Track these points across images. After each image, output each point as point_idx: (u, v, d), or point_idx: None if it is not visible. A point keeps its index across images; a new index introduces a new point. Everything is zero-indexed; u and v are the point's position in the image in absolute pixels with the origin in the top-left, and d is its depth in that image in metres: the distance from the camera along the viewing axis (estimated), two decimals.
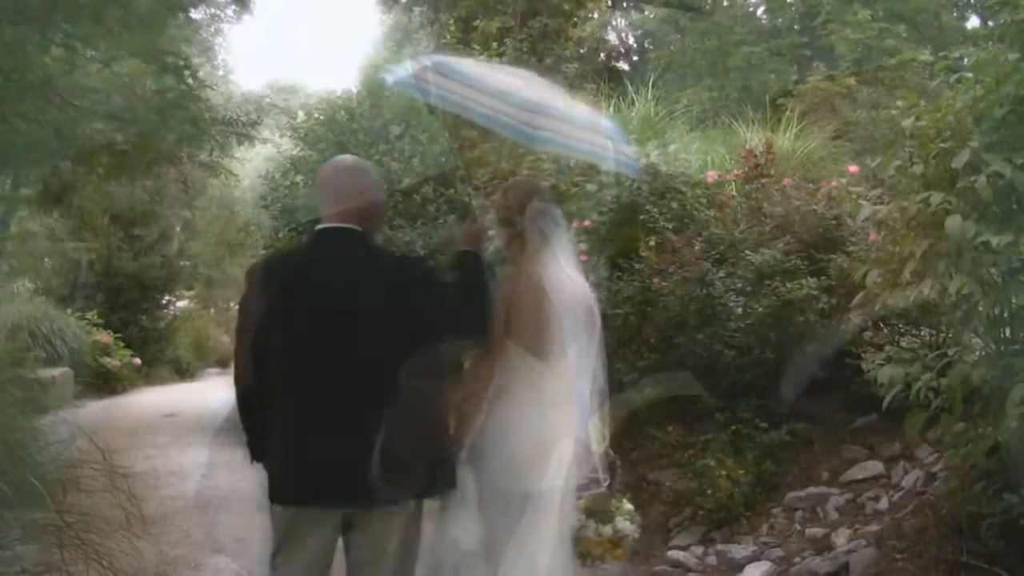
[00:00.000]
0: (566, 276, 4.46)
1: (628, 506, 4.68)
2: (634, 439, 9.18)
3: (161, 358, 26.39)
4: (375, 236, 4.28)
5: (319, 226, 4.18)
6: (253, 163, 32.36)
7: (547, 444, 4.23)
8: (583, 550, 4.45)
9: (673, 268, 8.42)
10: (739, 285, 8.24)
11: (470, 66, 5.01)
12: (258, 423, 4.14)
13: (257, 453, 4.23)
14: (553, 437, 4.25)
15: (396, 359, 3.87)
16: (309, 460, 3.93)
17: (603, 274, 9.03)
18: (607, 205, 10.04)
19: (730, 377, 8.15)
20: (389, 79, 4.93)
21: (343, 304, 3.96)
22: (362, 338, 3.92)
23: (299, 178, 16.45)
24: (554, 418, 4.30)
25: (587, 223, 9.97)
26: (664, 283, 8.36)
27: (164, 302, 28.08)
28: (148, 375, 24.35)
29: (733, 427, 7.81)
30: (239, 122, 7.57)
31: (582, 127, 4.92)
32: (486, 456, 4.26)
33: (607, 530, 4.46)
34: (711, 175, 10.51)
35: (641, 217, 9.56)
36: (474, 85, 4.65)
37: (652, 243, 8.98)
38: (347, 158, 4.60)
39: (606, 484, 4.55)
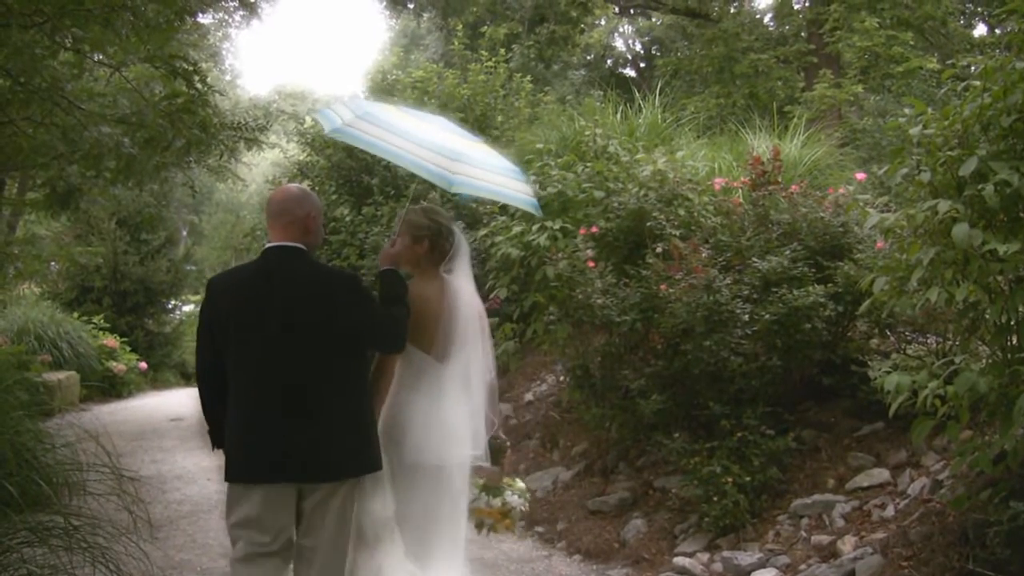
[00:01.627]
0: (464, 288, 5.24)
1: (520, 484, 5.55)
2: (640, 446, 9.21)
3: (167, 362, 26.41)
4: (313, 253, 4.97)
5: (267, 244, 4.88)
6: (260, 168, 32.47)
7: (445, 429, 4.99)
8: (477, 520, 5.34)
9: (680, 275, 8.42)
10: (746, 292, 8.24)
11: (396, 114, 5.61)
12: (217, 415, 4.86)
13: (217, 441, 4.94)
14: (450, 423, 5.02)
15: (327, 358, 4.66)
16: (251, 445, 4.64)
17: (610, 280, 9.06)
18: (614, 212, 10.06)
19: (736, 384, 8.15)
20: (326, 126, 5.22)
21: (282, 310, 4.64)
22: (298, 340, 4.62)
23: (306, 183, 16.50)
24: (450, 408, 5.04)
25: (595, 230, 10.01)
26: (671, 290, 8.36)
27: (170, 306, 28.11)
28: (154, 379, 24.38)
29: (739, 434, 7.80)
30: (247, 127, 7.60)
31: (494, 171, 5.54)
32: (395, 439, 4.98)
33: (497, 503, 5.32)
34: (718, 182, 10.54)
35: (648, 224, 9.58)
36: (397, 132, 5.24)
37: (659, 250, 8.98)
38: (292, 187, 5.28)
39: (494, 463, 5.32)
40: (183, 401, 19.09)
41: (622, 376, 9.02)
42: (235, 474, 4.69)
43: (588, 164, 11.93)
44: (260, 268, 4.86)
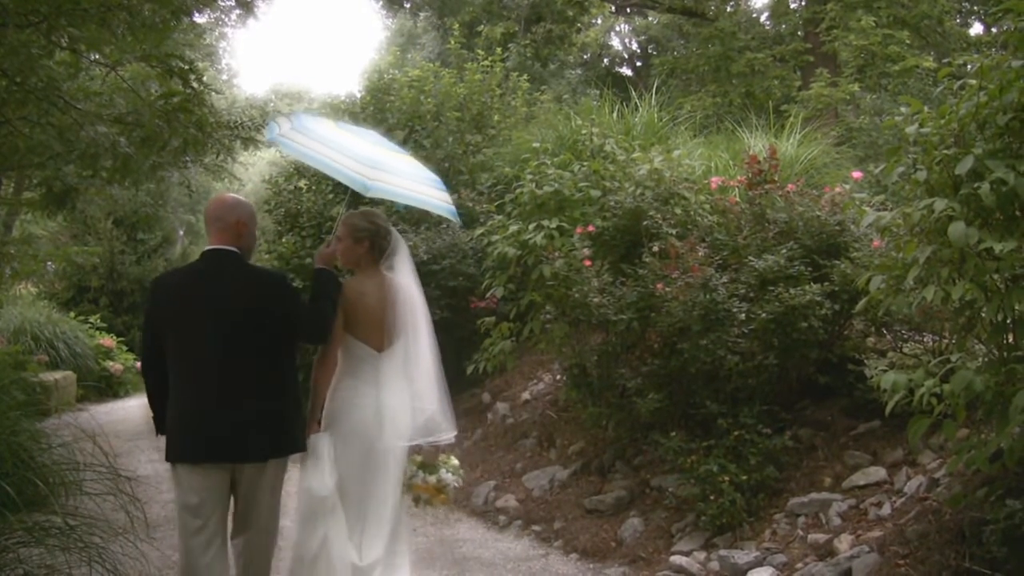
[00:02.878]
0: (404, 283, 5.78)
1: (454, 461, 6.00)
2: (637, 444, 9.21)
3: None
4: (247, 255, 5.45)
5: (205, 248, 5.40)
6: (257, 167, 32.47)
7: (382, 414, 5.54)
8: (415, 496, 5.79)
9: (677, 274, 8.42)
10: (742, 291, 8.24)
11: (329, 128, 6.42)
12: (160, 403, 5.40)
13: (160, 427, 5.45)
14: (387, 408, 5.56)
15: (253, 349, 5.15)
16: (188, 429, 5.17)
17: (607, 279, 9.06)
18: (611, 211, 10.07)
19: (733, 383, 8.16)
20: (268, 134, 6.30)
21: (216, 307, 5.17)
22: (227, 333, 5.13)
23: (302, 183, 16.54)
24: (389, 394, 5.59)
25: (591, 228, 10.00)
26: (668, 289, 8.35)
27: None
28: None
29: (736, 433, 7.81)
30: (243, 126, 7.60)
31: (413, 179, 6.26)
32: (336, 422, 5.53)
33: (432, 479, 5.78)
34: (715, 181, 10.53)
35: (645, 223, 9.59)
36: (324, 142, 5.98)
37: (656, 249, 8.98)
38: (227, 196, 5.71)
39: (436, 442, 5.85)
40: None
41: (619, 375, 9.02)
42: (174, 456, 5.23)
43: (585, 163, 11.92)
44: (195, 269, 5.50)
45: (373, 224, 5.81)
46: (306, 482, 5.40)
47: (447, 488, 5.91)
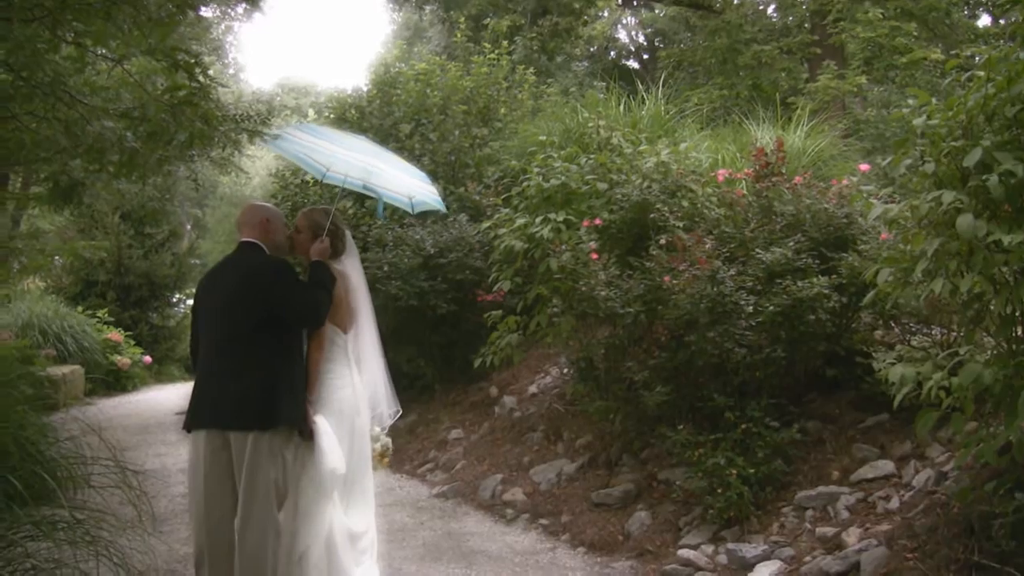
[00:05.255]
0: (354, 276, 6.45)
1: (376, 429, 6.62)
2: (644, 438, 9.20)
3: (171, 356, 26.41)
4: (279, 251, 6.20)
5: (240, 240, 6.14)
6: (264, 161, 32.48)
7: (358, 390, 6.16)
8: None
9: (684, 267, 8.40)
10: (750, 284, 8.22)
11: (326, 132, 7.56)
12: None
13: None
14: (361, 391, 6.20)
15: (252, 330, 5.68)
16: (196, 399, 5.74)
17: (614, 272, 9.04)
18: (618, 204, 10.05)
19: (741, 376, 8.15)
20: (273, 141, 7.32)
21: (225, 291, 5.85)
22: (233, 315, 5.74)
23: (309, 176, 16.50)
24: (359, 376, 6.23)
25: (598, 222, 9.99)
26: (675, 281, 8.34)
27: (174, 300, 28.07)
28: (158, 373, 24.41)
29: (743, 426, 7.81)
30: (250, 118, 7.58)
31: (403, 171, 7.25)
32: (328, 404, 5.95)
33: (377, 446, 6.66)
34: (722, 174, 10.50)
35: (652, 216, 9.58)
36: (315, 138, 7.07)
37: (663, 242, 8.98)
38: (253, 201, 6.83)
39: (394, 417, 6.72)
40: (187, 395, 19.12)
41: (626, 368, 9.00)
42: (185, 423, 5.78)
43: (591, 156, 11.90)
44: (225, 259, 6.32)
45: (335, 226, 6.45)
46: (323, 463, 5.73)
47: (388, 452, 6.92)
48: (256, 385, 5.60)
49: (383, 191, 7.06)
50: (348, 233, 6.68)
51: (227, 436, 5.54)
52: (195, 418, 5.68)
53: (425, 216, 14.21)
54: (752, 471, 7.58)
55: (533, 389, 12.06)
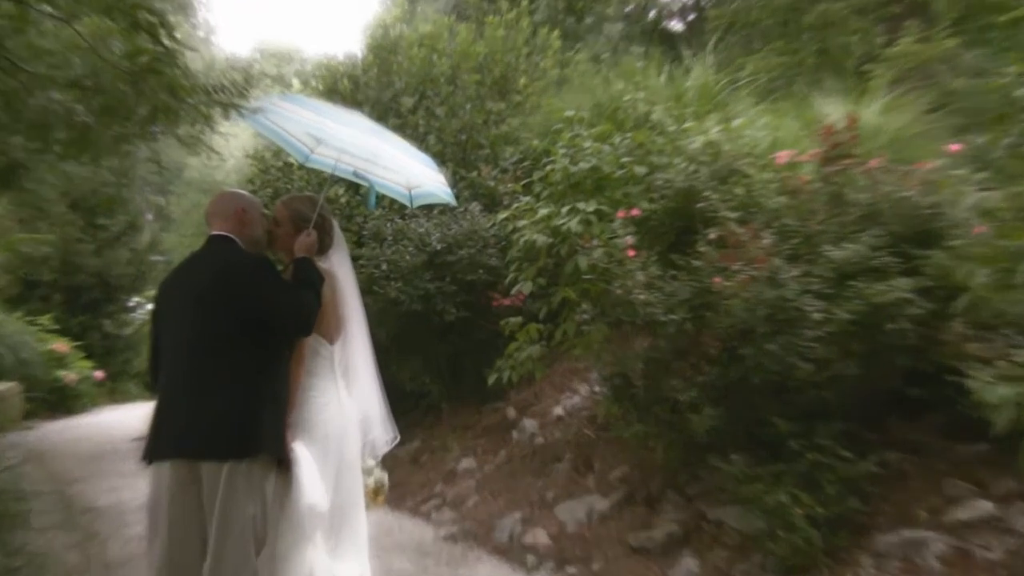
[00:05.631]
0: (343, 275, 6.44)
1: (369, 460, 6.54)
2: (691, 469, 9.16)
3: (128, 370, 26.49)
4: (257, 245, 6.17)
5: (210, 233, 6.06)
6: (240, 139, 32.53)
7: (347, 413, 6.13)
8: None
9: (737, 266, 8.36)
10: (817, 286, 8.17)
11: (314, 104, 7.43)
12: None
13: None
14: (351, 413, 6.18)
15: (227, 340, 5.57)
16: (157, 425, 5.63)
17: (654, 272, 9.01)
18: (659, 191, 10.02)
19: (806, 396, 8.09)
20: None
21: (191, 294, 5.72)
22: (202, 322, 5.61)
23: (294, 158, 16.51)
24: (348, 394, 6.22)
25: (635, 212, 9.96)
26: (727, 283, 8.30)
27: (132, 304, 28.17)
28: (112, 391, 24.48)
29: (810, 456, 7.75)
30: (224, 89, 7.54)
31: (405, 154, 7.10)
32: (312, 427, 5.91)
33: (370, 482, 6.51)
34: (782, 156, 10.45)
35: (699, 205, 9.53)
36: (300, 109, 6.96)
37: (712, 236, 8.93)
38: (226, 189, 6.80)
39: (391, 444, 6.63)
40: (147, 418, 19.13)
41: (669, 386, 8.96)
42: (144, 452, 5.64)
43: (627, 135, 11.87)
44: (192, 256, 6.18)
45: (320, 215, 6.42)
46: (301, 499, 5.66)
47: (383, 488, 6.74)
48: (233, 405, 5.47)
49: (376, 179, 7.13)
50: (336, 225, 6.68)
51: (196, 467, 5.41)
52: (157, 446, 5.56)
53: (431, 205, 14.20)
54: (821, 510, 7.53)
55: (558, 411, 12.06)
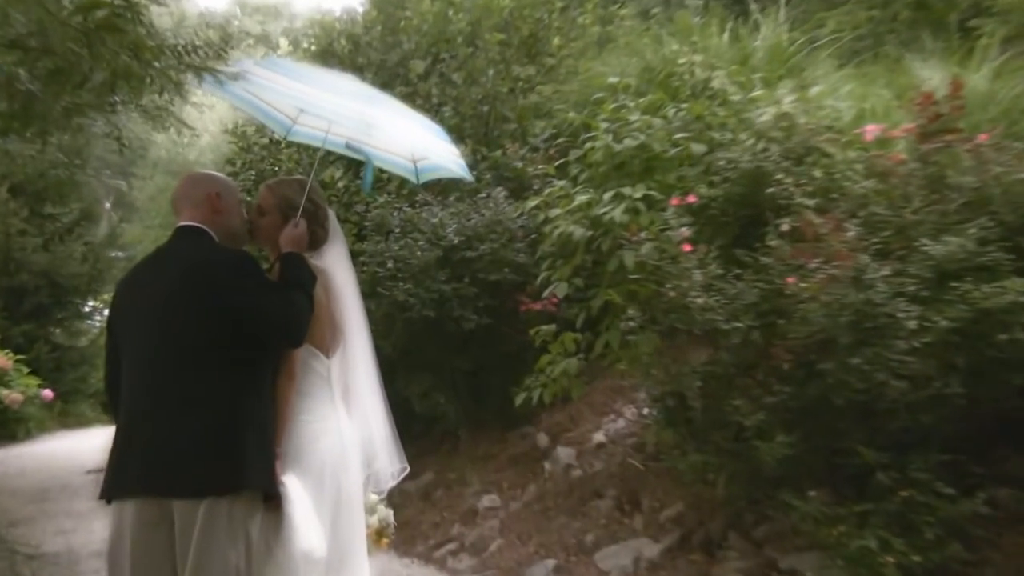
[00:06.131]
0: (340, 276, 6.38)
1: (372, 496, 6.53)
2: (759, 508, 9.16)
3: (82, 389, 26.51)
4: (236, 238, 6.04)
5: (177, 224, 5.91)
6: (217, 111, 32.61)
7: (346, 438, 6.05)
8: None
9: (816, 263, 8.36)
10: (912, 288, 8.15)
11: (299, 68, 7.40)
12: None
13: None
14: (351, 440, 6.08)
15: (203, 353, 5.45)
16: (118, 456, 5.47)
17: (715, 271, 9.01)
18: (721, 173, 10.02)
19: (899, 420, 8.07)
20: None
21: (159, 299, 5.56)
22: (169, 331, 5.49)
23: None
24: (347, 417, 6.13)
25: (692, 199, 9.95)
26: (803, 284, 8.30)
27: (87, 309, 28.19)
28: (64, 413, 24.56)
29: (904, 493, 7.74)
30: (198, 50, 7.53)
31: (408, 119, 7.13)
32: (305, 457, 5.81)
33: (373, 520, 6.47)
34: (871, 130, 10.45)
35: (769, 190, 9.53)
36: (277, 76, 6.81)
37: (785, 227, 8.94)
38: (195, 171, 6.62)
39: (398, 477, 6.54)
40: (105, 445, 19.20)
41: (732, 408, 8.95)
42: (103, 488, 5.51)
43: (683, 106, 11.89)
44: (158, 252, 6.05)
45: (311, 202, 6.32)
46: (293, 543, 5.52)
47: (387, 529, 6.66)
48: (210, 430, 5.33)
49: (373, 151, 7.03)
50: (332, 215, 6.60)
51: (167, 506, 5.26)
52: (119, 480, 5.42)
53: (445, 191, 14.23)
54: (917, 558, 7.51)
55: (599, 437, 12.07)
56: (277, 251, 6.13)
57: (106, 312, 29.44)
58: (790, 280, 8.41)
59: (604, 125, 11.66)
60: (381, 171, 7.36)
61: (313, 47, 19.28)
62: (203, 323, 5.44)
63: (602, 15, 19.87)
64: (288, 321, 5.59)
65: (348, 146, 6.99)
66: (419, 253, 13.08)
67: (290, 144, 16.22)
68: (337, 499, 5.90)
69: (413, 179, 7.48)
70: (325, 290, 6.10)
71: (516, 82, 16.88)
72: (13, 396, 20.79)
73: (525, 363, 12.21)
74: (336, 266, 6.37)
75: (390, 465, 6.47)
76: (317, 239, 6.32)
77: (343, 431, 6.04)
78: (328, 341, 6.10)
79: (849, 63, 15.32)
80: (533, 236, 13.06)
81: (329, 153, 13.69)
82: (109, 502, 5.48)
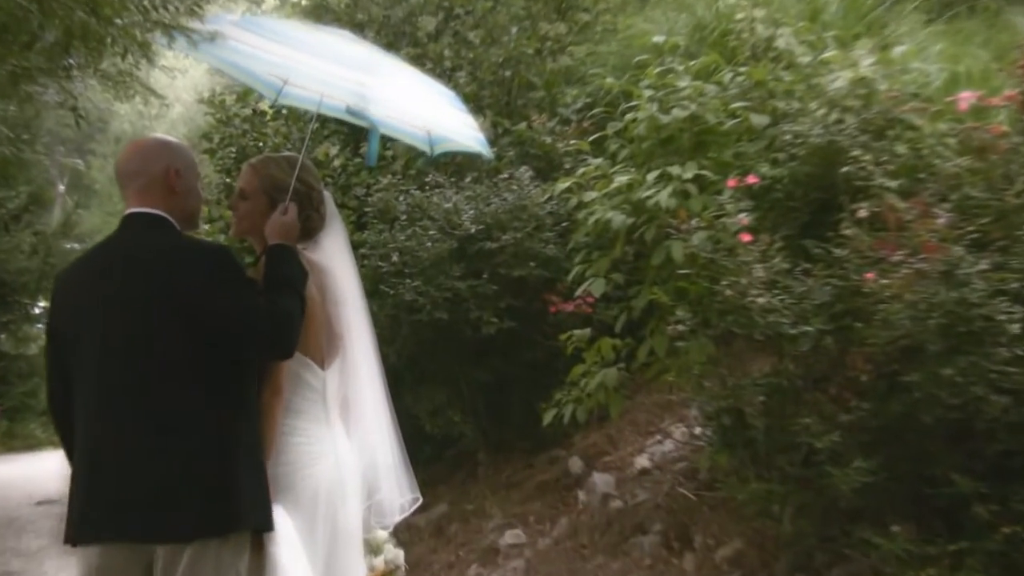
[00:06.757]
0: (340, 271, 6.32)
1: (380, 532, 6.56)
2: (833, 545, 9.15)
3: (31, 406, 26.61)
4: (189, 223, 5.82)
5: (125, 212, 5.69)
6: (191, 76, 32.68)
7: (343, 464, 5.98)
8: None
9: (900, 255, 8.34)
10: (1015, 285, 8.14)
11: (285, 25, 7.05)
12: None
13: None
14: (350, 466, 6.03)
15: (182, 370, 5.31)
16: (84, 493, 5.30)
17: (780, 266, 9.00)
18: (787, 149, 10.01)
19: (1000, 443, 8.07)
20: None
21: (121, 303, 5.38)
22: (139, 343, 5.32)
23: (266, 103, 16.57)
24: (346, 438, 6.10)
25: (752, 180, 9.93)
26: (884, 281, 8.28)
27: (38, 312, 28.26)
28: (9, 434, 24.68)
29: (1006, 529, 7.73)
30: (168, 6, 7.53)
31: (418, 83, 7.13)
32: (293, 487, 5.75)
33: (379, 562, 6.53)
34: (965, 97, 10.42)
35: (844, 170, 9.51)
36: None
37: (864, 213, 8.92)
38: (147, 139, 6.32)
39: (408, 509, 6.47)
40: (58, 470, 19.28)
41: (801, 427, 8.94)
42: (67, 533, 5.34)
43: (741, 70, 11.88)
44: (106, 248, 5.81)
45: (303, 182, 6.22)
46: None
47: (397, 573, 6.75)
48: (196, 460, 5.23)
49: (379, 118, 6.90)
50: (329, 197, 6.52)
51: (145, 551, 5.17)
52: (88, 520, 5.26)
53: (460, 170, 14.25)
54: None
55: (643, 462, 12.08)
56: (263, 243, 6.01)
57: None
58: (869, 276, 8.38)
59: (648, 93, 11.63)
60: (385, 146, 7.32)
61: (304, 1, 19.32)
62: (177, 333, 5.28)
63: None
64: (276, 330, 5.42)
65: (349, 111, 6.86)
66: (429, 244, 13.08)
67: (276, 115, 16.28)
68: (333, 536, 5.82)
69: (426, 149, 7.41)
70: (320, 288, 5.99)
71: (544, 42, 16.88)
72: None
73: (555, 374, 12.21)
74: (334, 259, 6.25)
75: (398, 495, 6.33)
76: (312, 226, 6.21)
77: (340, 455, 5.95)
78: (323, 349, 5.99)
79: (940, 18, 15.29)
80: (564, 224, 13.07)
81: (323, 126, 13.75)
82: (75, 545, 5.34)
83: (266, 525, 5.38)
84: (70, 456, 5.62)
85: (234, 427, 5.37)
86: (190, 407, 5.28)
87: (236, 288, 5.45)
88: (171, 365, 5.28)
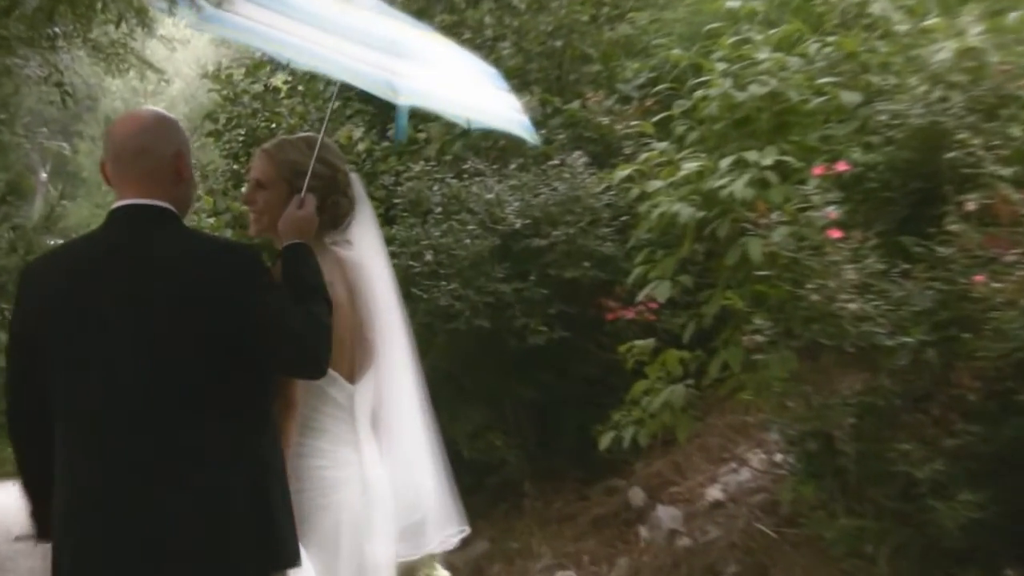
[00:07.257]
0: (372, 268, 6.18)
1: (444, 572, 6.58)
2: None
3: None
4: (186, 214, 5.53)
5: (115, 204, 5.36)
6: (192, 48, 32.73)
7: (373, 493, 5.85)
8: None
9: (1014, 255, 8.31)
10: None
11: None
12: (42, 486, 5.31)
13: (43, 532, 5.40)
14: (380, 493, 5.87)
15: (203, 390, 5.05)
16: (79, 539, 5.05)
17: (874, 267, 8.97)
18: (882, 132, 9.97)
19: None
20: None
21: (133, 312, 5.08)
22: (152, 359, 5.02)
23: (280, 78, 16.58)
24: (373, 457, 5.93)
25: (842, 167, 9.89)
26: (996, 285, 8.26)
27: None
28: None
29: None
30: None
31: (455, 62, 6.95)
32: (312, 519, 5.64)
33: None
34: None
35: (949, 155, 9.47)
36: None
37: (972, 206, 8.88)
38: (146, 113, 5.89)
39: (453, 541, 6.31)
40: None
41: (898, 454, 8.92)
42: None
43: (829, 40, 11.85)
44: (100, 243, 5.42)
45: (327, 165, 6.11)
46: None
47: None
48: (229, 498, 4.98)
49: (410, 103, 6.54)
50: (357, 179, 6.46)
51: None
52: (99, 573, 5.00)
53: (503, 156, 14.22)
54: None
55: (716, 493, 12.05)
56: (278, 237, 5.90)
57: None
58: (979, 279, 8.36)
59: (721, 67, 11.61)
60: (417, 127, 7.28)
61: None
62: (201, 347, 5.02)
63: None
64: (315, 343, 5.20)
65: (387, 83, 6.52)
66: (468, 241, 13.04)
67: (291, 93, 16.28)
68: (358, 573, 5.70)
69: (464, 124, 7.55)
70: (351, 288, 5.88)
71: (600, 7, 16.86)
72: None
73: (613, 392, 12.18)
74: (365, 252, 6.10)
75: (440, 528, 6.15)
76: (340, 212, 6.13)
77: (369, 481, 5.82)
78: (352, 359, 5.86)
79: None
80: (624, 218, 13.05)
81: (345, 104, 13.77)
82: None
83: (296, 561, 5.22)
84: (36, 491, 5.51)
85: (265, 454, 5.21)
86: (223, 436, 5.07)
87: (270, 299, 5.19)
88: (193, 386, 5.02)
